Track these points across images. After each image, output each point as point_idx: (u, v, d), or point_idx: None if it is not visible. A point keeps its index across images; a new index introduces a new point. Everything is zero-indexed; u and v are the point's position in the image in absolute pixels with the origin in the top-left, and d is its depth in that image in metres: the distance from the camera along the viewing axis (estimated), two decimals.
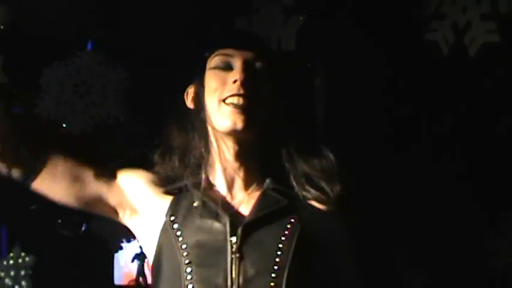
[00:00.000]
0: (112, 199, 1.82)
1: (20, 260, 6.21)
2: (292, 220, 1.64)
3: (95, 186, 1.81)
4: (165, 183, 1.77)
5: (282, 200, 1.67)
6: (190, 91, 1.83)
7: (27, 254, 6.36)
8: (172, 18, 3.77)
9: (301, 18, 3.39)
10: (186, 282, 1.61)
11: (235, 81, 1.69)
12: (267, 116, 1.73)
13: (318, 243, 1.61)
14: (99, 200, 1.82)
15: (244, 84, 1.68)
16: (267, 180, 1.71)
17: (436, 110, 4.03)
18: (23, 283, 6.11)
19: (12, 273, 6.27)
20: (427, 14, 3.50)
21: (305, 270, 1.60)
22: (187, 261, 1.62)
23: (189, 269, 1.61)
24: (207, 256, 1.61)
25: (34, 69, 4.10)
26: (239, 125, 1.65)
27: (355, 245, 1.63)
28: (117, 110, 3.89)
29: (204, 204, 1.67)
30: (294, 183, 1.69)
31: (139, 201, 1.78)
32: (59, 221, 5.74)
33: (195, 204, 1.67)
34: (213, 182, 1.72)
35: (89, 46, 4.02)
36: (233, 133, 1.68)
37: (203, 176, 1.71)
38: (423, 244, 3.97)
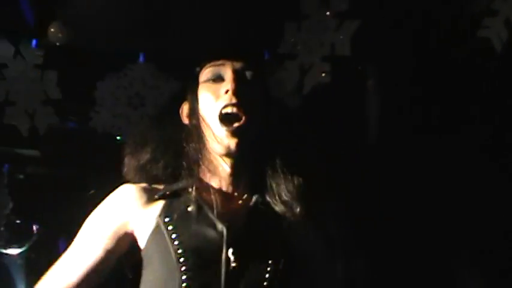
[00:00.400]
0: (121, 251, 1.79)
1: None
2: (279, 234, 1.69)
3: (104, 264, 1.76)
4: (154, 186, 1.77)
5: (271, 215, 1.70)
6: (185, 107, 1.83)
7: None
8: (222, 25, 3.75)
9: (355, 23, 3.40)
10: (181, 282, 1.62)
11: (227, 91, 1.71)
12: (259, 127, 1.75)
13: (300, 251, 1.70)
14: (117, 258, 1.79)
15: (236, 93, 1.70)
16: (256, 196, 1.73)
17: (488, 107, 3.99)
18: None
19: None
20: (479, 10, 3.46)
21: (293, 278, 1.68)
22: (183, 268, 1.61)
23: (184, 276, 1.61)
24: (204, 265, 1.61)
25: (87, 84, 4.16)
26: (233, 149, 1.68)
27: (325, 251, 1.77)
28: None
29: (199, 209, 1.66)
30: (277, 196, 1.72)
31: (136, 232, 1.75)
32: None
33: (190, 208, 1.66)
34: (205, 186, 1.72)
35: (141, 58, 4.06)
36: (227, 155, 1.71)
37: (196, 181, 1.71)
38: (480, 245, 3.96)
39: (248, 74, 1.76)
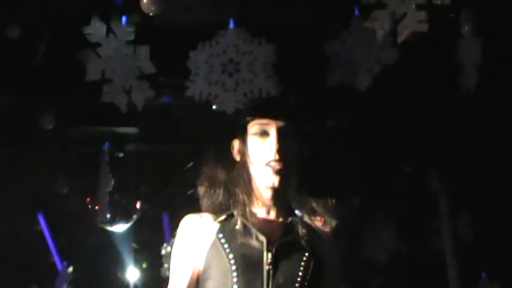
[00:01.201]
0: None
1: None
2: (308, 245, 2.20)
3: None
4: (213, 212, 2.31)
5: (302, 229, 2.22)
6: (235, 145, 2.32)
7: None
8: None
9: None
10: (233, 284, 2.11)
11: (272, 149, 2.21)
12: (295, 169, 2.26)
13: (324, 261, 2.23)
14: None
15: (279, 151, 2.20)
16: (292, 217, 2.26)
17: None
18: None
19: None
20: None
21: (317, 280, 2.18)
22: (234, 268, 2.12)
23: (235, 274, 2.11)
24: (249, 265, 2.12)
25: (179, 57, 4.16)
26: (276, 184, 2.21)
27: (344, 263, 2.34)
28: (268, 84, 3.89)
29: (244, 227, 2.19)
30: (306, 216, 2.29)
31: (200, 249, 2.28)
32: None
33: (238, 226, 2.19)
34: (252, 210, 2.25)
35: (232, 24, 4.02)
36: (271, 187, 2.23)
37: (246, 208, 2.23)
38: None
39: (288, 132, 2.24)
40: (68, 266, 7.68)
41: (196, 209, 2.37)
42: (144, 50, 4.07)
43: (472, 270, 6.11)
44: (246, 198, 2.26)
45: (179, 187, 5.93)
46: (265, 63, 3.91)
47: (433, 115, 4.66)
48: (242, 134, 2.30)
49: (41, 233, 6.34)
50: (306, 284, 2.16)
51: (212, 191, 2.32)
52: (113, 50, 4.05)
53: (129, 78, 4.05)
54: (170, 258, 6.59)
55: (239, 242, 2.18)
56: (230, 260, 2.15)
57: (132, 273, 7.41)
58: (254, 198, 2.28)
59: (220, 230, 2.22)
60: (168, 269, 6.42)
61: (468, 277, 5.60)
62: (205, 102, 4.05)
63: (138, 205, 5.78)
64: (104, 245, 6.92)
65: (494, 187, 5.85)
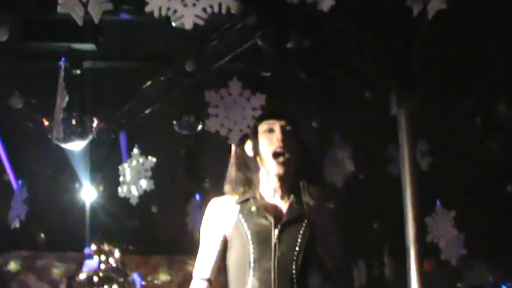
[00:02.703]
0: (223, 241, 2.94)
1: (140, 162, 6.36)
2: (305, 221, 2.85)
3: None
4: (232, 196, 2.92)
5: (300, 209, 2.86)
6: (248, 144, 2.94)
7: (146, 157, 6.58)
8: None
9: None
10: (251, 254, 2.78)
11: (277, 140, 2.85)
12: (296, 160, 2.87)
13: (318, 231, 2.86)
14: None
15: (282, 141, 2.84)
16: (292, 196, 2.88)
17: None
18: (144, 184, 6.27)
19: (133, 175, 6.46)
20: None
21: (312, 249, 2.85)
22: (251, 241, 2.79)
23: (252, 246, 2.79)
24: (261, 240, 2.80)
25: None
26: (281, 173, 2.84)
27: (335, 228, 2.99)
28: (228, 0, 3.78)
29: (257, 209, 2.84)
30: (303, 197, 2.89)
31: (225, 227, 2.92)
32: (174, 122, 5.82)
33: (253, 209, 2.84)
34: (262, 195, 2.88)
35: None
36: (277, 174, 2.86)
37: (258, 193, 2.87)
38: None
39: (288, 128, 2.89)
40: (23, 185, 7.66)
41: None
42: None
43: (427, 198, 6.20)
44: (257, 185, 2.89)
45: (137, 105, 5.89)
46: None
47: (391, 39, 4.62)
48: (254, 134, 2.93)
49: None
50: (302, 248, 2.82)
51: (234, 180, 2.94)
52: None
53: None
54: (127, 177, 6.48)
55: (254, 222, 2.83)
56: (248, 236, 2.80)
57: (89, 192, 7.38)
58: (264, 186, 2.89)
59: (240, 211, 2.86)
60: (127, 184, 6.43)
61: (424, 205, 5.65)
62: (164, 17, 3.94)
63: (94, 123, 5.68)
64: (60, 164, 6.87)
65: (453, 116, 5.89)
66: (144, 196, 6.42)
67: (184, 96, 5.64)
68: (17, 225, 7.17)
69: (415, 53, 4.56)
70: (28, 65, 5.79)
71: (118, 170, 6.43)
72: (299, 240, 2.84)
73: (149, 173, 6.35)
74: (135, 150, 6.39)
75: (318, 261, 2.98)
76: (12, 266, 8.75)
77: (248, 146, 2.98)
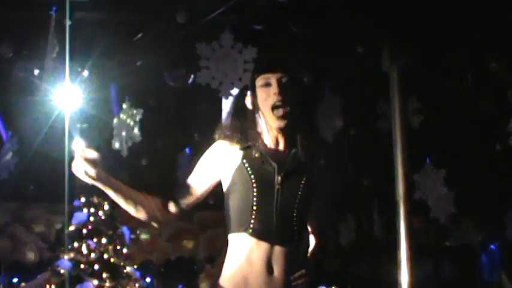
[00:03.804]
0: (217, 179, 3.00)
1: (130, 115, 6.32)
2: (304, 172, 2.92)
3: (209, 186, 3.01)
4: (234, 144, 2.97)
5: (301, 160, 2.92)
6: (248, 97, 2.98)
7: (136, 108, 6.67)
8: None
9: None
10: (253, 197, 2.85)
11: (274, 94, 2.88)
12: (293, 113, 2.90)
13: (314, 180, 2.94)
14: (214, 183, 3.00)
15: (280, 95, 2.87)
16: (294, 149, 2.93)
17: None
18: (135, 133, 6.23)
19: (123, 128, 6.42)
20: None
21: (309, 196, 2.93)
22: (254, 185, 2.86)
23: (255, 189, 2.85)
24: (265, 184, 2.87)
25: None
26: (281, 125, 2.89)
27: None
28: None
29: (261, 155, 2.90)
30: (301, 150, 2.95)
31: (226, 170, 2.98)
32: (165, 73, 5.78)
33: (257, 155, 2.89)
34: (265, 143, 2.95)
35: None
36: (277, 127, 2.91)
37: (261, 141, 2.93)
38: None
39: (285, 80, 2.91)
40: (13, 136, 7.63)
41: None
42: None
43: (417, 155, 6.21)
44: (260, 135, 2.96)
45: (128, 57, 5.85)
46: None
47: None
48: (252, 89, 2.97)
49: None
50: (303, 198, 2.90)
51: (230, 128, 3.00)
52: None
53: None
54: (117, 129, 6.46)
55: (258, 166, 2.89)
56: (252, 179, 2.86)
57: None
58: (266, 136, 2.96)
59: (244, 157, 2.91)
60: (119, 137, 6.41)
61: (414, 161, 5.67)
62: None
63: (85, 74, 5.65)
64: (50, 116, 6.83)
65: (445, 73, 5.87)
66: (135, 149, 6.42)
67: (175, 48, 5.62)
68: (6, 176, 7.16)
69: (407, 7, 4.54)
70: (19, 14, 5.73)
71: (109, 122, 6.42)
72: (300, 189, 2.91)
73: (139, 126, 6.34)
74: (126, 103, 6.36)
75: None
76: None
77: (248, 100, 3.02)
